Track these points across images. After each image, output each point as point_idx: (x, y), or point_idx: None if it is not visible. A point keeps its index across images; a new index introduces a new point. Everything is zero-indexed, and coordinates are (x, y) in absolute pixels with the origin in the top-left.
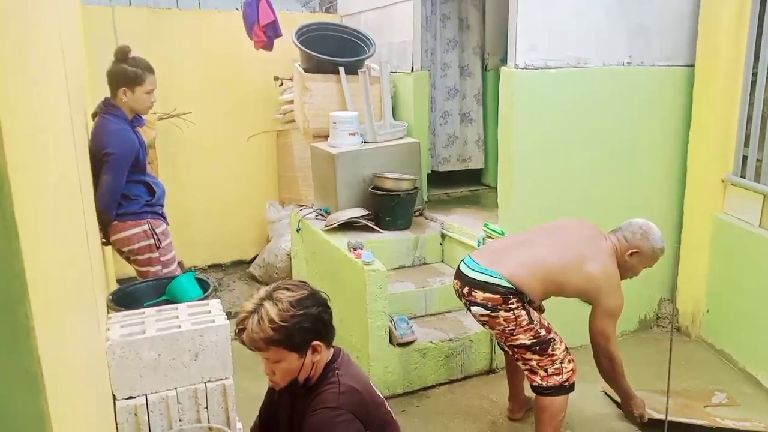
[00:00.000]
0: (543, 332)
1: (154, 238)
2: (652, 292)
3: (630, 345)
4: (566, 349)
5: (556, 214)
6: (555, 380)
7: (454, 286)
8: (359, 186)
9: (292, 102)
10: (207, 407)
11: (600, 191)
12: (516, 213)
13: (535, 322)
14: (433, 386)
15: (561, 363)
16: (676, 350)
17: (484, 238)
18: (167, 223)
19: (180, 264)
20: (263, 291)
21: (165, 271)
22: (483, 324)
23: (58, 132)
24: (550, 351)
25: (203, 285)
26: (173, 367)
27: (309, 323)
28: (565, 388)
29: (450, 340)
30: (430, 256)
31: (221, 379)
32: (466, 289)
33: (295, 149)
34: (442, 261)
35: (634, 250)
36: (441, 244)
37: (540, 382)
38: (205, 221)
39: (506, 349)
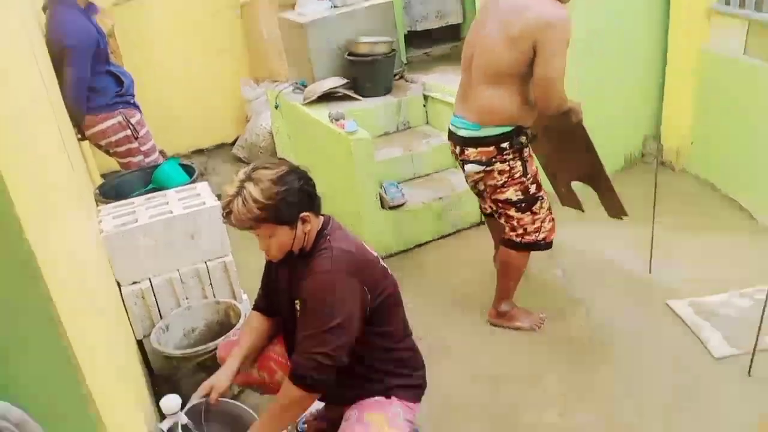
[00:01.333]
0: (533, 189)
1: (130, 129)
2: (636, 129)
3: (616, 182)
4: (549, 207)
5: None
6: (530, 238)
7: (450, 149)
8: (334, 54)
9: None
10: (211, 284)
11: (580, 28)
12: None
13: (528, 175)
14: (427, 242)
15: (542, 222)
16: (662, 183)
17: None
18: (141, 113)
19: (162, 153)
20: (242, 173)
21: (147, 160)
22: (475, 184)
23: (11, 31)
24: (534, 209)
25: (188, 170)
26: (171, 250)
27: (293, 197)
28: (540, 245)
29: (440, 198)
30: (414, 120)
31: (221, 257)
32: (458, 149)
33: (263, 22)
34: (427, 123)
35: None
36: (424, 105)
37: (515, 238)
38: (180, 109)
39: (491, 205)
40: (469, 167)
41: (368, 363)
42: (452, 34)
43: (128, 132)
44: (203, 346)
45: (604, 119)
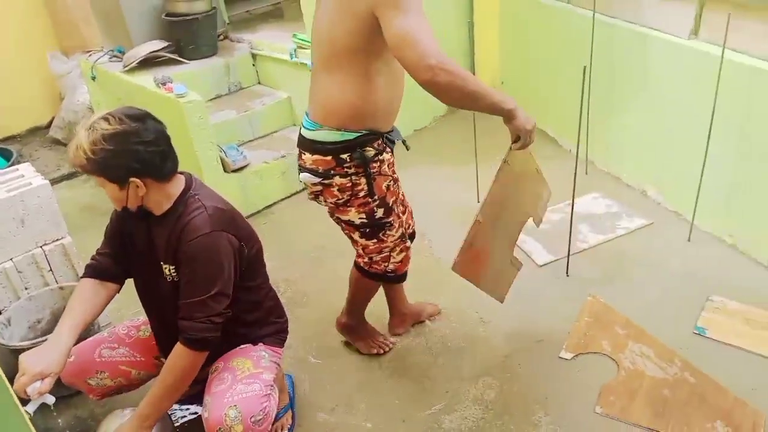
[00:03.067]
0: (380, 213)
1: None
2: None
3: (442, 128)
4: (402, 236)
5: None
6: (378, 268)
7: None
8: (151, 15)
9: None
10: (51, 270)
11: None
12: None
13: (375, 197)
14: (276, 203)
15: (390, 251)
16: (481, 125)
17: (295, 50)
18: None
19: None
20: (94, 115)
21: None
22: (315, 196)
23: None
24: (381, 236)
25: (5, 155)
26: (1, 238)
27: (120, 159)
28: (388, 277)
29: (283, 156)
30: (246, 80)
31: (58, 240)
32: (298, 151)
33: None
34: (259, 83)
35: None
36: (253, 65)
37: (363, 266)
38: None
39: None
40: (303, 176)
41: (237, 317)
42: None
43: None
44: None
45: None
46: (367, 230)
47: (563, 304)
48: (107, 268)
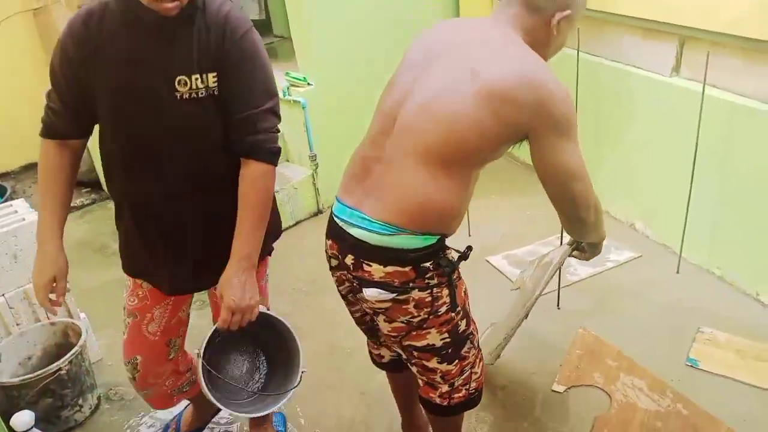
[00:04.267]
0: (463, 325)
1: None
2: None
3: None
4: (477, 343)
5: (355, 50)
6: (460, 395)
7: (327, 251)
8: None
9: None
10: None
11: (389, 24)
12: (315, 58)
13: (458, 308)
14: None
15: (471, 368)
16: None
17: (288, 87)
18: None
19: None
20: None
21: None
22: (373, 315)
23: None
24: (463, 352)
25: None
26: None
27: None
28: (473, 401)
29: (276, 192)
30: None
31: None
32: (350, 259)
33: (61, 27)
34: None
35: (565, 13)
36: None
37: (440, 401)
38: None
39: (398, 351)
40: (370, 292)
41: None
42: (263, 31)
43: None
44: (44, 369)
45: None
46: (450, 350)
47: (555, 336)
48: (66, 127)
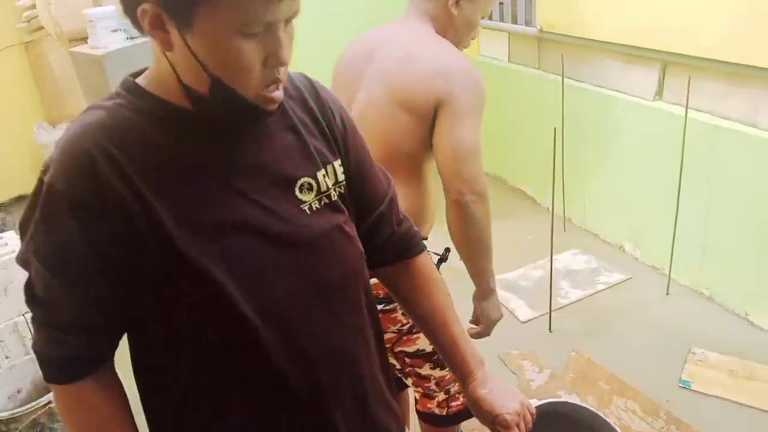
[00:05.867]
0: None
1: None
2: None
3: None
4: None
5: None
6: (458, 404)
7: None
8: None
9: (34, 6)
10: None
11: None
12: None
13: None
14: None
15: None
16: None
17: None
18: None
19: None
20: None
21: None
22: None
23: None
24: None
25: None
26: None
27: None
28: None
29: None
30: None
31: None
32: None
33: (53, 60)
34: None
35: None
36: None
37: (438, 411)
38: None
39: (394, 362)
40: None
41: None
42: None
43: None
44: (34, 402)
45: None
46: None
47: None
48: (103, 345)
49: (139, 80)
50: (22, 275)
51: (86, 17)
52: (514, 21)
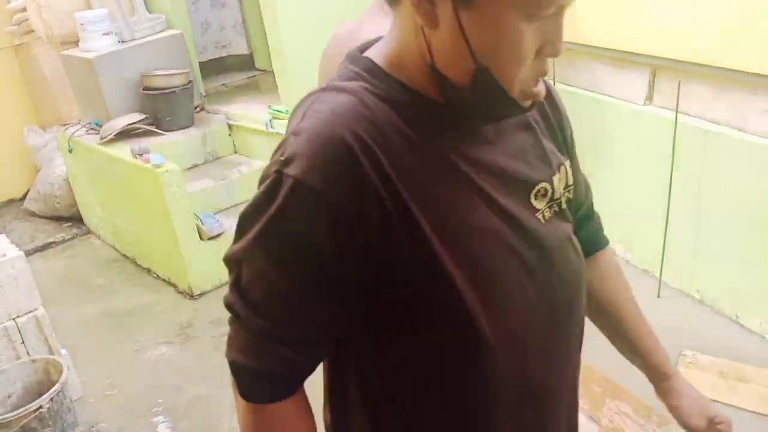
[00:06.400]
0: None
1: None
2: None
3: None
4: None
5: None
6: None
7: None
8: (128, 90)
9: (24, 9)
10: (24, 342)
11: None
12: (297, 91)
13: None
14: None
15: None
16: None
17: (271, 120)
18: None
19: None
20: None
21: None
22: None
23: None
24: None
25: None
26: None
27: None
28: None
29: None
30: (222, 150)
31: (31, 311)
32: None
33: (44, 63)
34: (235, 152)
35: None
36: (230, 135)
37: None
38: None
39: None
40: None
41: None
42: (246, 64)
43: None
44: (25, 407)
45: None
46: None
47: None
48: (308, 362)
49: (376, 59)
50: (11, 279)
51: (77, 20)
52: None
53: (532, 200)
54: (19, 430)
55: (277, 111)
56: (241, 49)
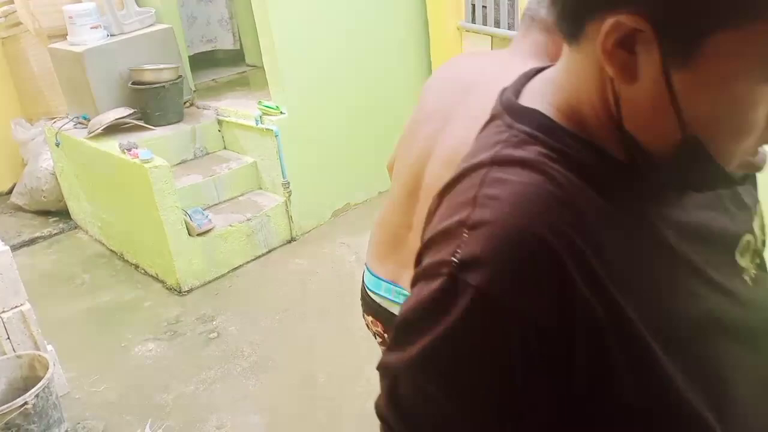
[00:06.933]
0: None
1: None
2: None
3: None
4: None
5: (326, 79)
6: None
7: (368, 326)
8: (117, 84)
9: (12, 1)
10: (9, 338)
11: (360, 54)
12: (287, 87)
13: None
14: (240, 266)
15: None
16: None
17: (261, 116)
18: None
19: None
20: None
21: None
22: None
23: None
24: None
25: None
26: None
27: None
28: None
29: (248, 219)
30: (211, 145)
31: (16, 307)
32: (381, 328)
33: (31, 56)
34: (224, 148)
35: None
36: (219, 131)
37: None
38: None
39: None
40: None
41: None
42: (236, 60)
43: None
44: (10, 403)
45: (373, 138)
46: None
47: None
48: None
49: (547, 112)
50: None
51: (65, 13)
52: (497, 25)
53: (738, 258)
54: (4, 426)
55: (267, 107)
56: (227, 44)
